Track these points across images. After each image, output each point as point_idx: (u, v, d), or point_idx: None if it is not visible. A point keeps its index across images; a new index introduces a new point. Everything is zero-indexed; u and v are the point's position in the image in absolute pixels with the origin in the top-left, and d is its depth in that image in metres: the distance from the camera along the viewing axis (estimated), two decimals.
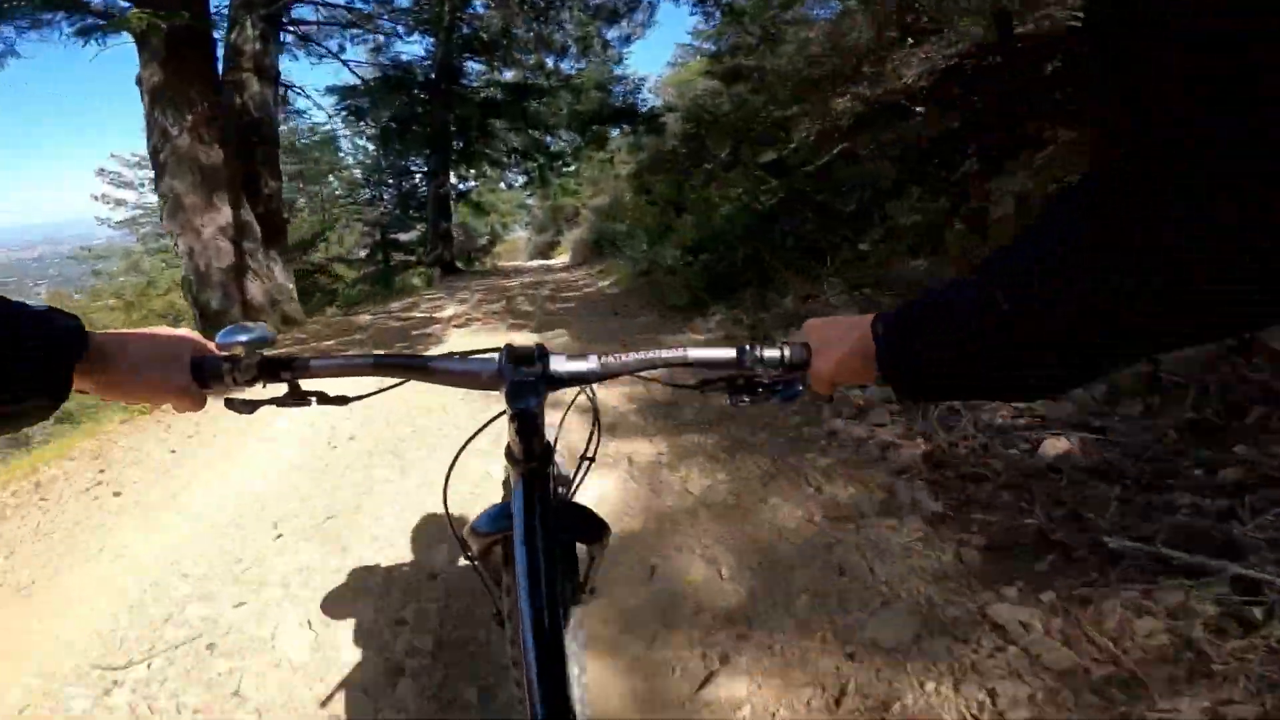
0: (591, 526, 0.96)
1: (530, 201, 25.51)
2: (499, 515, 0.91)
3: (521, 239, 28.34)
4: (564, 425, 1.09)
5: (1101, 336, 0.42)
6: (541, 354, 0.75)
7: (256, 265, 6.71)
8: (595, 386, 0.92)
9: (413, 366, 0.76)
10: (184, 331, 0.70)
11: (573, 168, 16.55)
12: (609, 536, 1.00)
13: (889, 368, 0.60)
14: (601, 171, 16.65)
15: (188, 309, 7.20)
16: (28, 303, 0.54)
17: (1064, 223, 0.43)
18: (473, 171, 16.27)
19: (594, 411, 0.98)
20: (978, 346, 0.50)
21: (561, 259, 18.50)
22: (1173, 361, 2.19)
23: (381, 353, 0.77)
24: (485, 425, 0.94)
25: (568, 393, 0.85)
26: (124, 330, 0.67)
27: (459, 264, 15.05)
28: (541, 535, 0.71)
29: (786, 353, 0.73)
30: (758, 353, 0.74)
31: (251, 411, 0.72)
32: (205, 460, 3.10)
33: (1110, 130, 0.52)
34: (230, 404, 0.71)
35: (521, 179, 17.38)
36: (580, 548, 1.02)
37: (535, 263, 20.17)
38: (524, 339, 1.00)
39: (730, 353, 0.75)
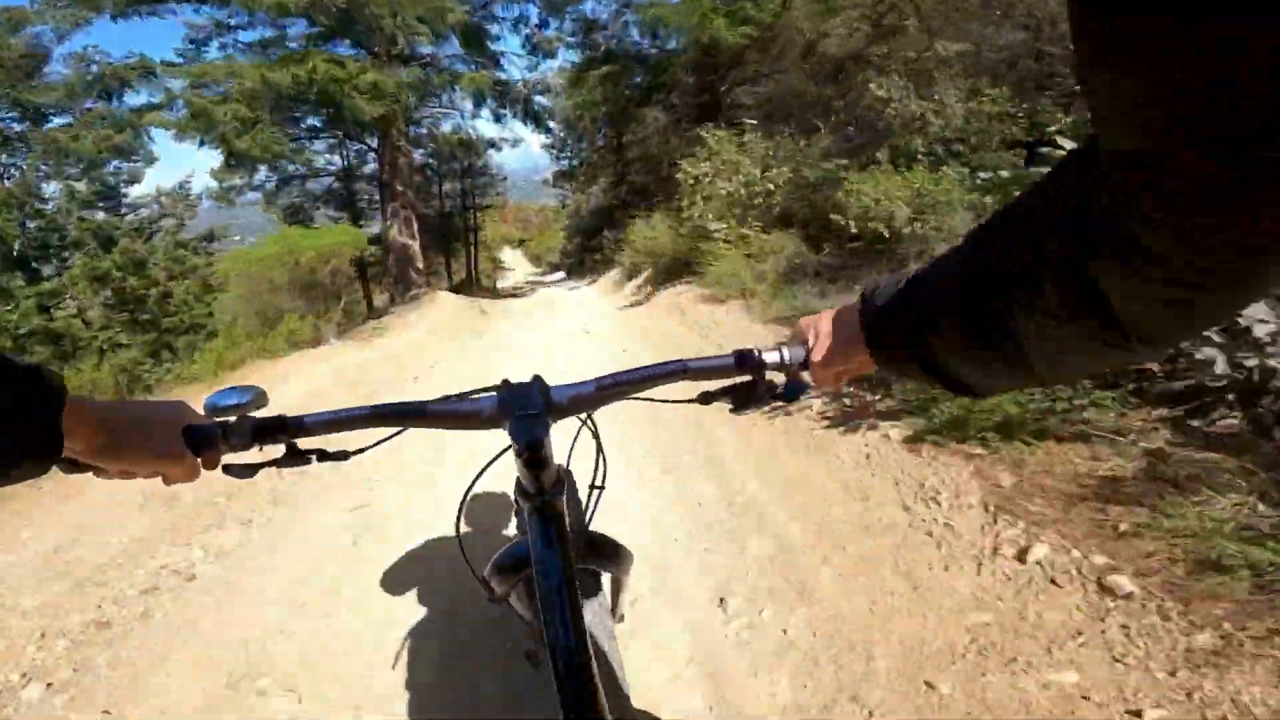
0: (611, 553, 1.00)
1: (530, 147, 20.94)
2: (518, 553, 0.95)
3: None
4: (572, 455, 1.05)
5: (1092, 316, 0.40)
6: (540, 386, 0.75)
7: None
8: (597, 416, 0.92)
9: (410, 414, 0.75)
10: (173, 400, 0.71)
11: None
12: (631, 562, 1.04)
13: (873, 341, 0.62)
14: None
15: None
16: (11, 358, 0.52)
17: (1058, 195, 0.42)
18: None
19: (596, 440, 0.98)
20: (963, 317, 0.49)
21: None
22: None
23: (376, 404, 0.76)
24: (490, 462, 0.94)
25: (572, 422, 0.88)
26: (110, 401, 0.68)
27: None
28: (561, 568, 0.72)
29: (785, 353, 0.74)
30: (757, 355, 0.75)
31: (252, 475, 0.71)
32: None
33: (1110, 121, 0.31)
34: (228, 470, 0.71)
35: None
36: (605, 575, 1.06)
37: None
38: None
39: (729, 359, 0.76)
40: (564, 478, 0.81)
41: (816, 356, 0.71)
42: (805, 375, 0.75)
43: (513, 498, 1.23)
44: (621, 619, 1.21)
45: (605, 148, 20.22)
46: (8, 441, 0.49)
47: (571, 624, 0.68)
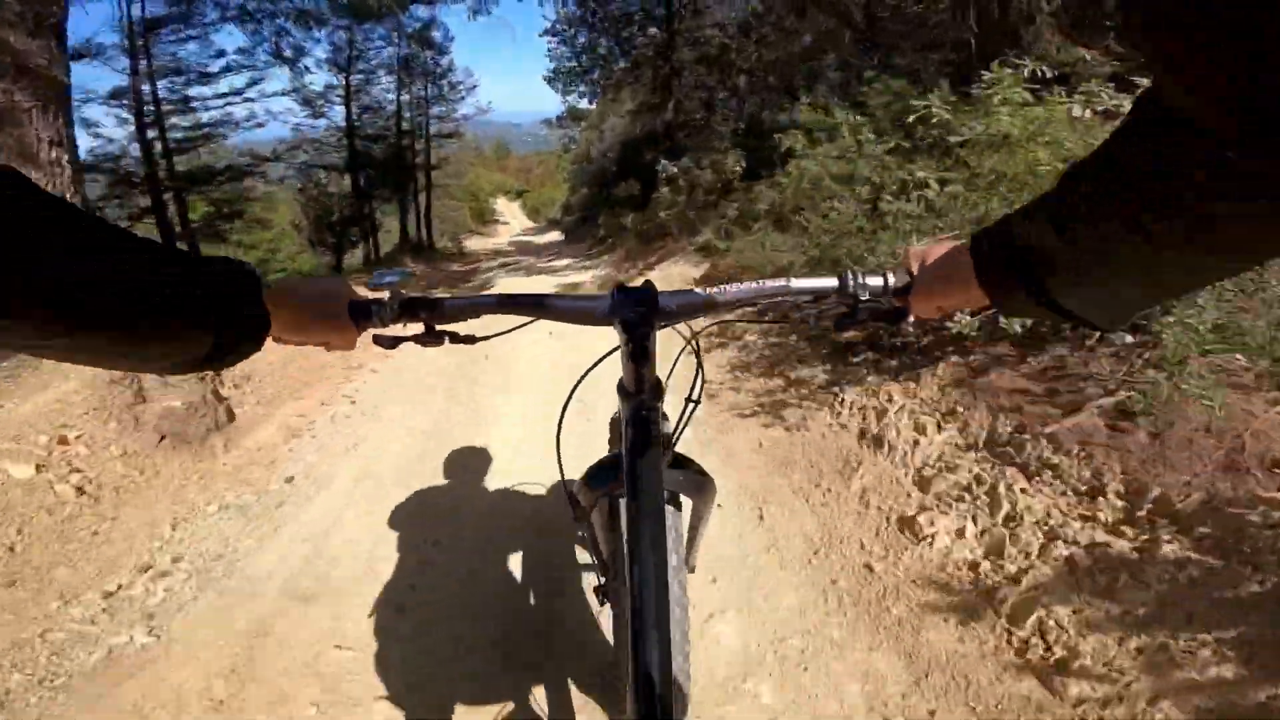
0: (695, 477, 1.01)
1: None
2: (608, 466, 0.99)
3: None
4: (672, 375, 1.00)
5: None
6: (649, 291, 0.79)
7: None
8: (700, 335, 0.97)
9: (533, 304, 0.81)
10: (337, 278, 0.81)
11: None
12: (713, 494, 1.04)
13: (983, 273, 0.61)
14: None
15: None
16: (223, 258, 0.60)
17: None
18: None
19: (696, 354, 0.99)
20: (1068, 248, 0.51)
21: None
22: None
23: (503, 293, 0.82)
24: (598, 361, 0.96)
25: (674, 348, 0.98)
26: (291, 278, 0.74)
27: None
28: (651, 470, 0.78)
29: (890, 279, 0.74)
30: (861, 279, 0.75)
31: (394, 347, 0.78)
32: None
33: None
34: (378, 340, 0.78)
35: None
36: (685, 509, 1.07)
37: None
38: None
39: (832, 281, 0.76)
40: (662, 385, 0.87)
41: (920, 289, 0.71)
42: (908, 303, 0.74)
43: (611, 419, 1.29)
44: (693, 569, 1.21)
45: (642, 45, 12.27)
46: (235, 327, 0.59)
47: (659, 517, 0.74)
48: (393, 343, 0.77)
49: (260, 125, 11.25)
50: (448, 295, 0.79)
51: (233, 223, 12.15)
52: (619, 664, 0.87)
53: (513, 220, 37.81)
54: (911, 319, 0.75)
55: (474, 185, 36.02)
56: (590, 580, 1.40)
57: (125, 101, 9.29)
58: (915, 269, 0.71)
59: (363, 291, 0.78)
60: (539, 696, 1.48)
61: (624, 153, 14.30)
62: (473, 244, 22.44)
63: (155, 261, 0.51)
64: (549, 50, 13.27)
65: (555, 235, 22.98)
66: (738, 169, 6.86)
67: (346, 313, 0.73)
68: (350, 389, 4.05)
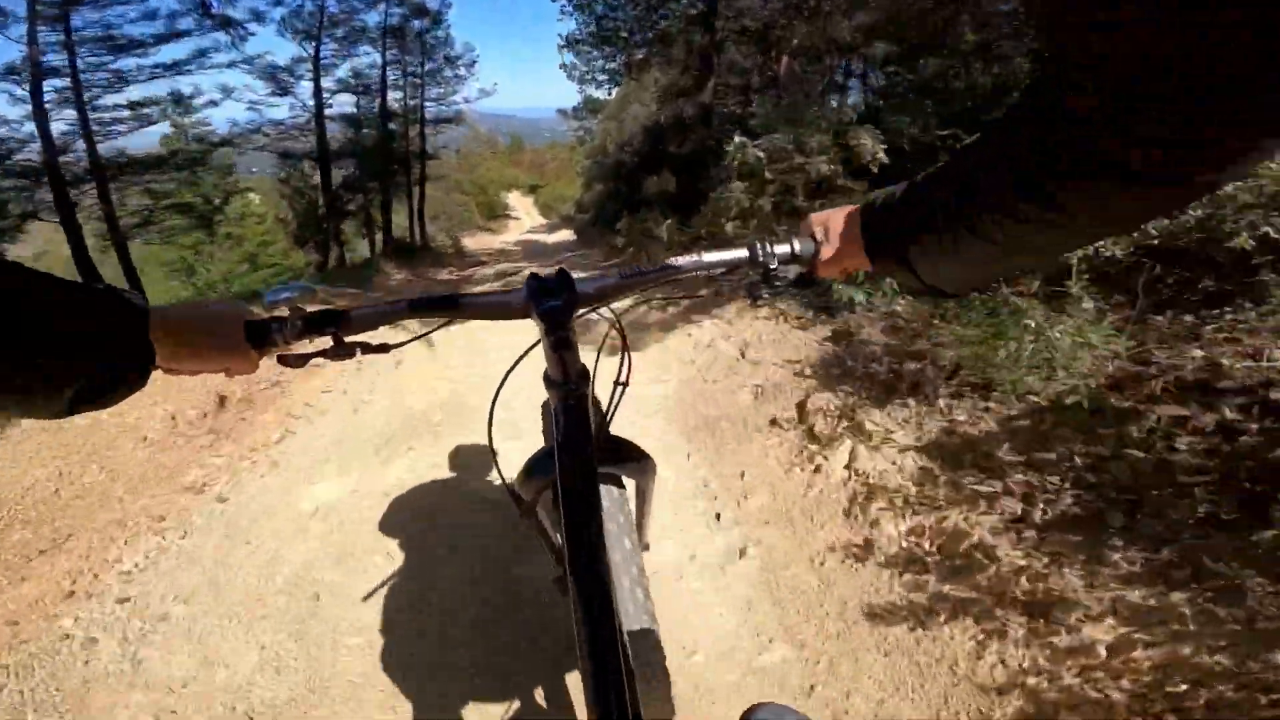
0: (633, 457, 1.01)
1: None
2: (547, 457, 0.96)
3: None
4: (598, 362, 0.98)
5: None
6: (564, 277, 0.77)
7: None
8: (622, 317, 0.93)
9: (446, 305, 0.77)
10: (230, 298, 0.85)
11: None
12: (654, 471, 1.05)
13: (869, 246, 0.68)
14: None
15: None
16: (90, 285, 0.53)
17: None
18: None
19: (621, 336, 0.97)
20: (945, 227, 0.57)
21: None
22: None
23: (415, 296, 0.78)
24: (524, 355, 0.94)
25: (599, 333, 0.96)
26: (176, 304, 0.68)
27: None
28: (585, 459, 0.74)
29: (796, 245, 0.77)
30: (770, 248, 0.78)
31: (303, 365, 0.74)
32: None
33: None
34: (283, 360, 0.73)
35: None
36: (629, 490, 1.05)
37: None
38: None
39: (742, 252, 0.79)
40: (589, 371, 0.84)
41: (824, 253, 0.76)
42: (814, 266, 0.77)
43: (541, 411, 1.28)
44: (646, 548, 1.19)
45: (672, 16, 10.22)
46: (110, 364, 0.51)
47: (593, 504, 0.70)
48: (300, 361, 0.74)
49: (214, 104, 9.43)
50: (353, 307, 0.74)
51: (220, 215, 10.51)
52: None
53: (525, 216, 36.57)
54: (817, 279, 0.79)
55: (483, 179, 34.31)
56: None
57: (17, 77, 7.42)
58: (818, 235, 0.76)
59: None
60: (540, 692, 1.47)
61: (647, 142, 12.27)
62: (475, 242, 20.65)
63: (20, 290, 0.44)
64: (562, 10, 11.21)
65: (567, 234, 21.17)
66: (879, 156, 4.70)
67: (242, 335, 0.69)
68: (145, 553, 2.12)
